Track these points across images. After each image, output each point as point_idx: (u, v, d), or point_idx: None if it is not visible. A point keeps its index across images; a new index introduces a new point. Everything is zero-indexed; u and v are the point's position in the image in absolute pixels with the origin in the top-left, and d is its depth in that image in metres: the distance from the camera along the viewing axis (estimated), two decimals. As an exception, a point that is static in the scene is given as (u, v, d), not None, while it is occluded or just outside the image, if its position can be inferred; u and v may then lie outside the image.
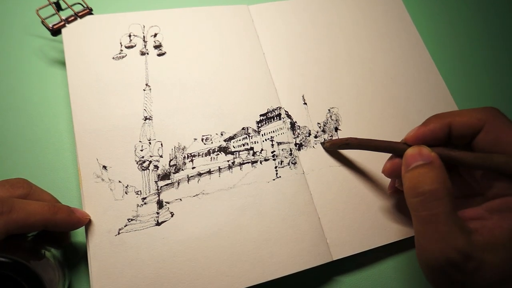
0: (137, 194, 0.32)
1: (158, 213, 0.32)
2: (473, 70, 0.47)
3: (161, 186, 0.33)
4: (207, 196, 0.33)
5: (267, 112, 0.37)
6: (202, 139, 0.35)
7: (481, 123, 0.27)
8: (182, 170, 0.33)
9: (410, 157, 0.28)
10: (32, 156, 0.35)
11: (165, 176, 0.33)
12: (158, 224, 0.31)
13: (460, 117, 0.28)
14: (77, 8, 0.38)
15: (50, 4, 0.37)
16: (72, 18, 0.37)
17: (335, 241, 0.33)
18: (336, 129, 0.38)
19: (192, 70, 0.37)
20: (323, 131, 0.38)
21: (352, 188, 0.36)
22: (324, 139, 0.37)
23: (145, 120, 0.34)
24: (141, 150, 0.33)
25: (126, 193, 0.32)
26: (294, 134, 0.37)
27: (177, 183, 0.33)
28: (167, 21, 0.39)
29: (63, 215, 0.28)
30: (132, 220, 0.31)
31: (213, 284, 0.30)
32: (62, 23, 0.37)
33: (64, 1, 0.38)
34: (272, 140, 0.36)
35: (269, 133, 0.36)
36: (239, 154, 0.35)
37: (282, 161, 0.35)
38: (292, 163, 0.35)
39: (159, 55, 0.37)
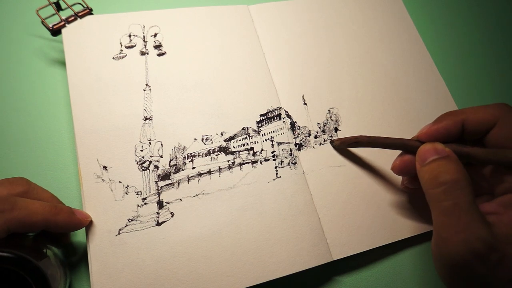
0: (138, 194, 0.32)
1: (158, 213, 0.32)
2: (473, 70, 0.47)
3: (161, 186, 0.33)
4: (207, 196, 0.33)
5: (267, 112, 0.37)
6: (202, 139, 0.35)
7: (494, 119, 0.28)
8: (182, 170, 0.33)
9: (425, 152, 0.28)
10: (32, 156, 0.35)
11: (165, 176, 0.33)
12: (158, 224, 0.31)
13: (474, 114, 0.29)
14: (77, 8, 0.38)
15: (50, 4, 0.37)
16: (72, 18, 0.37)
17: (335, 241, 0.33)
18: (336, 129, 0.38)
19: (192, 70, 0.37)
20: (323, 131, 0.38)
21: (352, 188, 0.36)
22: (324, 139, 0.37)
23: (145, 120, 0.34)
24: (141, 150, 0.33)
25: (126, 193, 0.32)
26: (294, 134, 0.37)
27: (177, 183, 0.33)
28: (167, 21, 0.39)
29: (64, 216, 0.28)
30: (132, 220, 0.31)
31: (213, 284, 0.30)
32: (62, 23, 0.37)
33: (64, 1, 0.37)
34: (272, 140, 0.36)
35: (269, 133, 0.36)
36: (239, 154, 0.35)
37: (282, 161, 0.35)
38: (292, 163, 0.35)
39: (159, 55, 0.37)
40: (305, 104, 0.39)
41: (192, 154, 0.34)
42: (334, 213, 0.34)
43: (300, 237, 0.32)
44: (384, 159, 0.37)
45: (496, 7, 0.52)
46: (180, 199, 0.32)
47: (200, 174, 0.34)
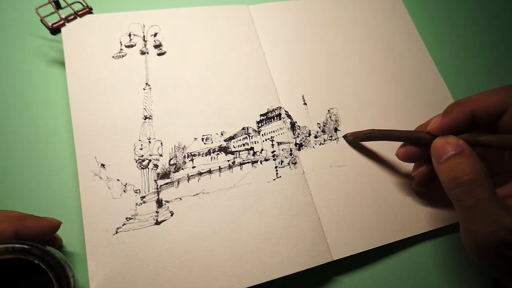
0: (136, 192, 0.32)
1: (157, 212, 0.31)
2: (473, 70, 0.47)
3: (161, 185, 0.32)
4: (207, 195, 0.33)
5: (267, 112, 0.37)
6: (202, 139, 0.35)
7: (505, 105, 0.28)
8: (182, 169, 0.33)
9: (439, 148, 0.28)
10: (31, 155, 0.35)
11: (165, 175, 0.33)
12: (157, 223, 0.31)
13: (482, 102, 0.29)
14: (77, 7, 0.38)
15: (49, 2, 0.37)
16: (72, 17, 0.37)
17: (335, 241, 0.33)
18: (336, 129, 0.38)
19: (192, 69, 0.37)
20: (323, 131, 0.38)
21: (352, 188, 0.36)
22: (324, 139, 0.37)
23: (145, 119, 0.34)
24: (141, 149, 0.33)
25: (124, 191, 0.31)
26: (294, 134, 0.37)
27: (177, 182, 0.33)
28: (167, 21, 0.39)
29: (32, 220, 0.27)
30: (130, 219, 0.31)
31: (213, 284, 0.30)
32: (62, 22, 0.37)
33: (63, 0, 0.37)
34: (272, 140, 0.36)
35: (269, 133, 0.36)
36: (239, 154, 0.35)
37: (282, 161, 0.35)
38: (292, 163, 0.35)
39: (159, 54, 0.37)
40: (305, 104, 0.39)
41: (192, 153, 0.34)
42: (334, 213, 0.34)
43: (300, 237, 0.32)
44: (384, 159, 0.37)
45: (496, 7, 0.52)
46: (180, 198, 0.32)
47: (200, 174, 0.33)
